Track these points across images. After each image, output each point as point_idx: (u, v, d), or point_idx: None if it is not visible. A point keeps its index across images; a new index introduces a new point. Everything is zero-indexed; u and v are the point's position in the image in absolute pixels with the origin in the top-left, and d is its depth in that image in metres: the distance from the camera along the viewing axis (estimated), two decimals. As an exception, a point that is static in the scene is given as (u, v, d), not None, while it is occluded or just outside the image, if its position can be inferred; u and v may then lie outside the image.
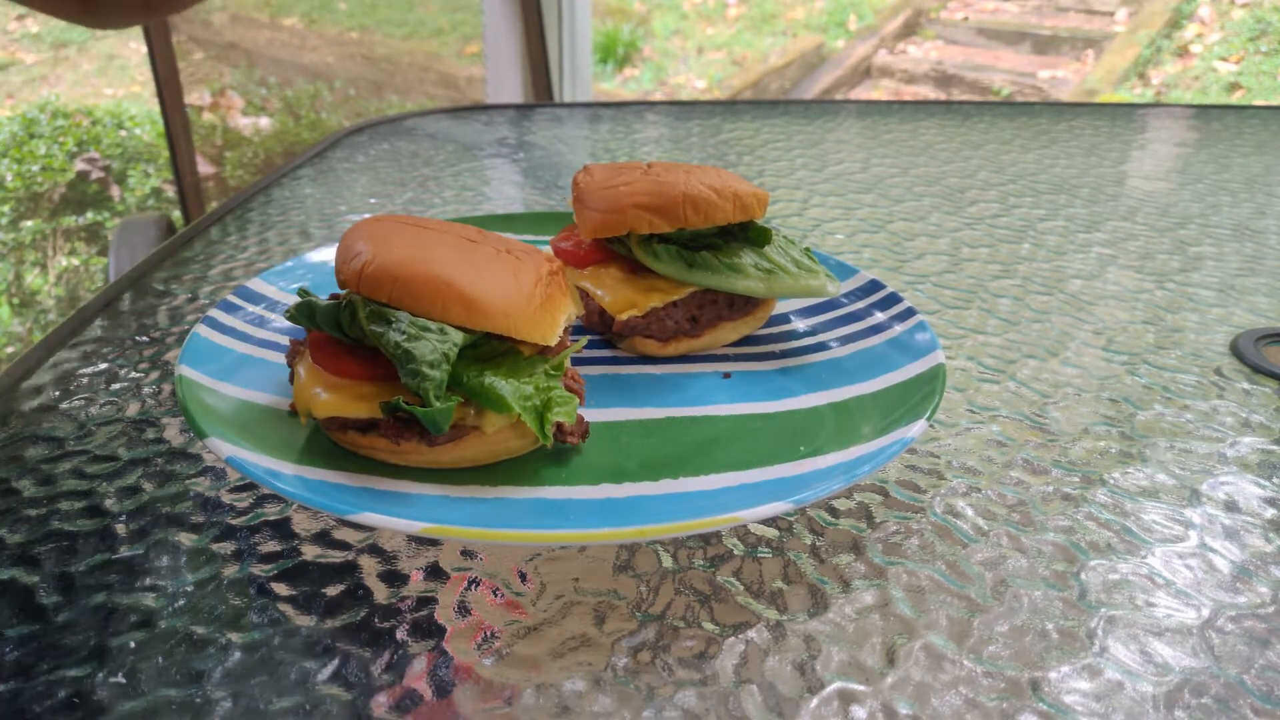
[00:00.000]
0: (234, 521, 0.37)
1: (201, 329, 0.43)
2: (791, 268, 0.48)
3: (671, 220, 0.46)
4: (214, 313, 0.45)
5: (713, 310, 0.49)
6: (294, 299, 0.49)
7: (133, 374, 0.49)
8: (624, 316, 0.47)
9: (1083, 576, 0.35)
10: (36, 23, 4.15)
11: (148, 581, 0.34)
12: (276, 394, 0.41)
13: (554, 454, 0.39)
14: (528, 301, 0.39)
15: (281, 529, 0.37)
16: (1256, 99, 3.93)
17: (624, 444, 0.40)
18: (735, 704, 0.29)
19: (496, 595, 0.34)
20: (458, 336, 0.36)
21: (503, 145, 1.00)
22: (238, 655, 0.31)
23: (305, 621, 0.32)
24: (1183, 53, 4.27)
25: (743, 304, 0.49)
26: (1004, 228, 0.75)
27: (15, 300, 3.12)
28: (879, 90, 4.68)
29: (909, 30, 4.89)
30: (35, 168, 3.26)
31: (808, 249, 0.51)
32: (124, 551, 0.35)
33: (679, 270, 0.47)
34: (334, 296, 0.41)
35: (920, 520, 0.38)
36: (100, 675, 0.30)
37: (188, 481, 0.40)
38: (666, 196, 0.46)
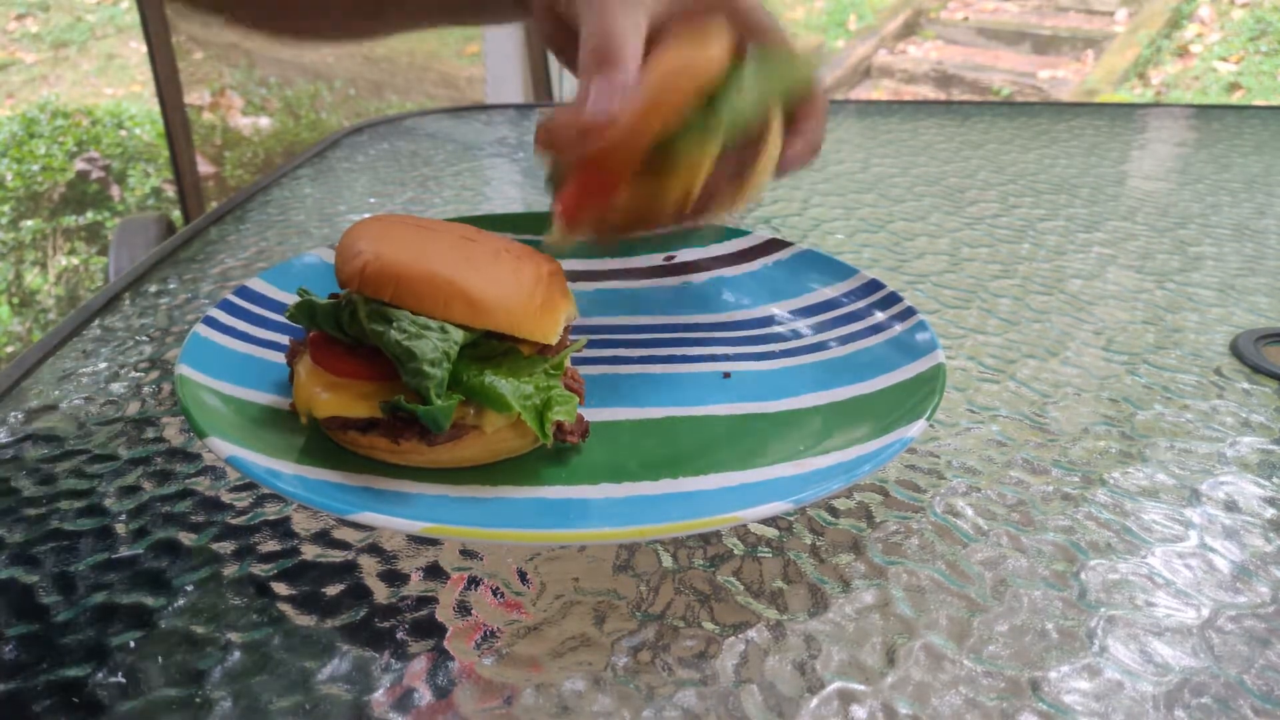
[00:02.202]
0: (234, 521, 0.37)
1: (201, 329, 0.43)
2: None
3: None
4: (214, 312, 0.45)
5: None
6: (294, 299, 0.49)
7: (133, 374, 0.49)
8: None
9: (1083, 576, 0.35)
10: (36, 22, 4.15)
11: (147, 581, 0.34)
12: (276, 394, 0.41)
13: (554, 454, 0.39)
14: (529, 300, 0.39)
15: (281, 529, 0.37)
16: (1256, 99, 3.93)
17: (624, 444, 0.40)
18: (735, 704, 0.29)
19: (496, 595, 0.34)
20: (459, 335, 0.36)
21: (503, 145, 1.00)
22: (238, 655, 0.31)
23: (305, 621, 0.32)
24: (1183, 53, 4.26)
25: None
26: (1004, 228, 0.75)
27: (15, 300, 3.12)
28: (879, 90, 4.68)
29: (909, 30, 4.88)
30: (35, 167, 3.26)
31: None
32: (124, 551, 0.35)
33: None
34: (334, 296, 0.41)
35: (920, 520, 0.38)
36: (100, 675, 0.30)
37: (188, 481, 0.40)
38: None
